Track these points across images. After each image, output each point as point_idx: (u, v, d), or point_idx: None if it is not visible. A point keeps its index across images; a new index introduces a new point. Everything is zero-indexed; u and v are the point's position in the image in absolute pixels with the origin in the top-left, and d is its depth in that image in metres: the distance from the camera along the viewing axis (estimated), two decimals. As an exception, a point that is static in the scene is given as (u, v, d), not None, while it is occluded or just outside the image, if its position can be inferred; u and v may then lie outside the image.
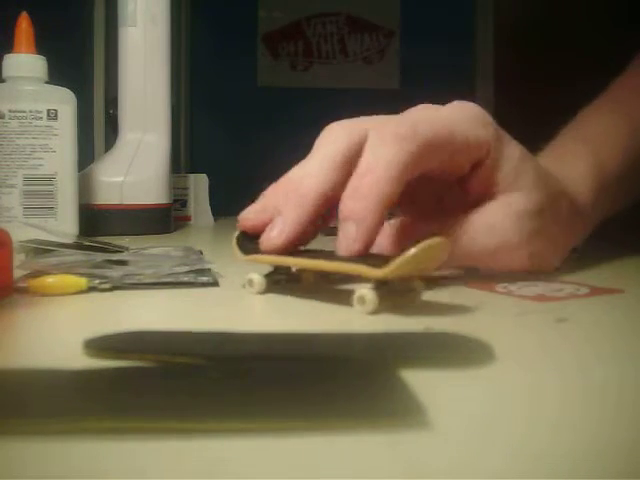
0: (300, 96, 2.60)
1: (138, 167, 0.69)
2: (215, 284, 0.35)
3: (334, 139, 0.33)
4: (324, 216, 0.34)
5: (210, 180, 0.85)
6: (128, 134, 0.72)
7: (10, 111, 0.55)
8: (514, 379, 0.20)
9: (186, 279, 0.35)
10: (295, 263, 0.32)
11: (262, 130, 2.57)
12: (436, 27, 2.58)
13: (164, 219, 0.71)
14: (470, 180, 0.36)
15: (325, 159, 0.33)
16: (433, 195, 0.38)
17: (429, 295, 0.31)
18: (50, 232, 0.48)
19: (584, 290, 0.33)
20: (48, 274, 0.33)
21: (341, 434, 0.15)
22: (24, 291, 0.32)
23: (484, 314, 0.29)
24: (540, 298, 0.31)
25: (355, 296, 0.28)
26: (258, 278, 0.33)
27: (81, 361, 0.21)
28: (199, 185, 0.84)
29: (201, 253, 0.44)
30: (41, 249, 0.39)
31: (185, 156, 2.43)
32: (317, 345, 0.23)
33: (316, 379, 0.19)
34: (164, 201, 0.71)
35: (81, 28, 1.81)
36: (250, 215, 0.34)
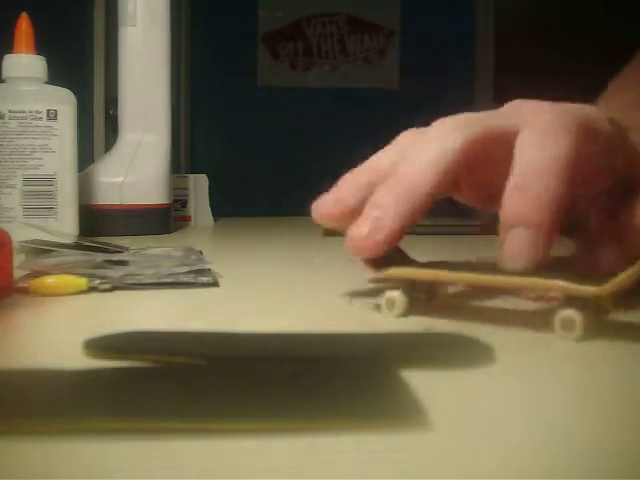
0: (300, 96, 2.60)
1: (138, 167, 0.69)
2: (215, 284, 0.35)
3: (452, 128, 0.29)
4: None
5: (210, 180, 0.85)
6: (128, 134, 0.72)
7: (10, 111, 0.55)
8: (513, 379, 0.20)
9: (186, 279, 0.35)
10: (464, 279, 0.27)
11: (262, 130, 2.57)
12: (436, 27, 2.58)
13: (164, 219, 0.71)
14: (601, 179, 0.31)
15: (445, 150, 0.28)
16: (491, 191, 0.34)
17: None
18: (50, 232, 0.48)
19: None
20: (48, 274, 0.33)
21: (341, 434, 0.15)
22: (24, 291, 0.32)
23: (488, 314, 0.29)
24: (540, 298, 0.31)
25: (559, 318, 0.23)
26: (400, 297, 0.27)
27: (81, 361, 0.21)
28: (199, 185, 0.84)
29: (201, 253, 0.44)
30: (41, 249, 0.39)
31: (185, 156, 2.43)
32: (316, 345, 0.23)
33: (316, 379, 0.19)
34: (164, 201, 0.71)
35: (81, 28, 1.81)
36: (329, 203, 0.29)
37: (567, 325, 0.23)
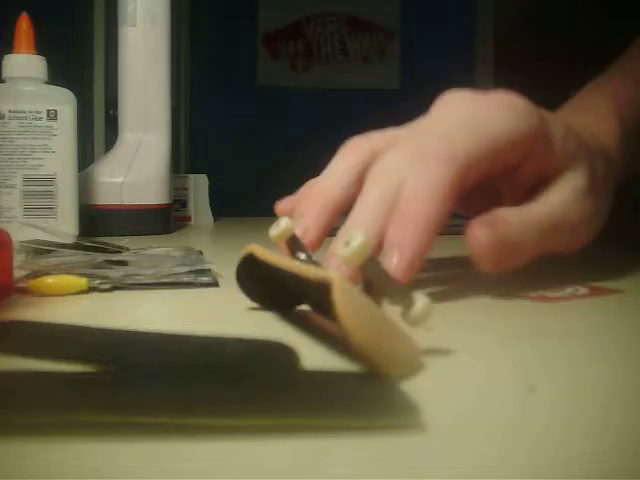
0: (300, 96, 2.60)
1: (138, 167, 0.69)
2: (215, 284, 0.35)
3: (356, 151, 0.34)
4: None
5: (210, 180, 0.85)
6: (128, 134, 0.72)
7: (10, 111, 0.55)
8: (512, 379, 0.20)
9: (186, 279, 0.35)
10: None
11: (262, 130, 2.57)
12: (436, 27, 2.58)
13: (164, 219, 0.71)
14: (521, 172, 0.34)
15: (344, 171, 0.34)
16: (486, 195, 0.37)
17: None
18: (50, 232, 0.48)
19: (584, 291, 0.33)
20: (48, 274, 0.33)
21: (336, 435, 0.15)
22: (24, 291, 0.32)
23: (487, 314, 0.29)
24: (541, 298, 0.31)
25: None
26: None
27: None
28: (199, 185, 0.84)
29: (201, 253, 0.44)
30: (41, 249, 0.39)
31: (185, 156, 2.43)
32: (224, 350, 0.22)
33: (313, 380, 0.19)
34: (164, 201, 0.71)
35: (81, 28, 1.81)
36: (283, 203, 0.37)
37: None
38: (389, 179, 0.31)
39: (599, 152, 0.37)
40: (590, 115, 0.40)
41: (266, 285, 0.28)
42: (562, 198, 0.34)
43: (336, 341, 0.24)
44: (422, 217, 0.29)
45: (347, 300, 0.19)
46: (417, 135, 0.33)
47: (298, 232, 0.31)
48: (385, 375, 0.19)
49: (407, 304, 0.22)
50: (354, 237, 0.21)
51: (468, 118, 0.32)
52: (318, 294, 0.21)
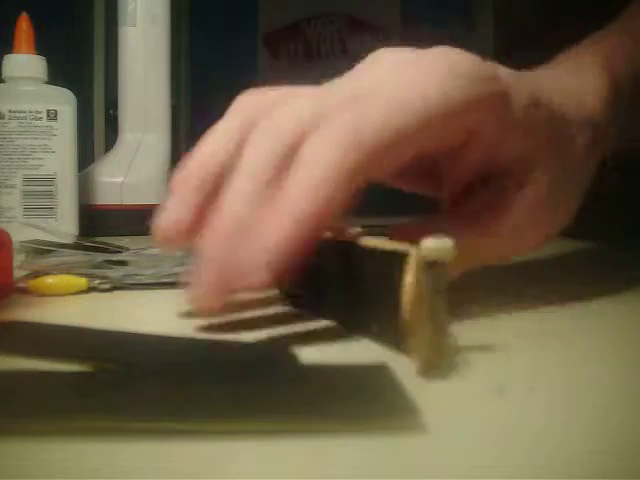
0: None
1: (138, 167, 0.69)
2: (215, 284, 0.35)
3: (244, 108, 0.28)
4: None
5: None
6: (128, 134, 0.72)
7: (10, 111, 0.55)
8: (511, 379, 0.20)
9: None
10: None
11: (262, 130, 2.57)
12: (436, 27, 2.58)
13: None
14: (465, 153, 0.28)
15: (224, 133, 0.27)
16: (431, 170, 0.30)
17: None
18: (50, 232, 0.48)
19: (583, 290, 0.33)
20: (48, 274, 0.33)
21: (336, 435, 0.15)
22: (24, 291, 0.32)
23: (487, 314, 0.29)
24: (540, 298, 0.31)
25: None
26: None
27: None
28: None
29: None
30: (41, 249, 0.39)
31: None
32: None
33: (313, 382, 0.19)
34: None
35: (81, 28, 1.81)
36: (165, 225, 0.27)
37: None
38: (280, 137, 0.25)
39: (577, 120, 0.31)
40: (576, 74, 0.34)
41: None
42: (525, 205, 0.28)
43: (336, 340, 0.24)
44: (298, 210, 0.23)
45: (418, 274, 0.19)
46: (327, 97, 0.26)
47: (164, 220, 0.26)
48: (416, 360, 0.19)
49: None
50: (445, 242, 0.19)
51: (393, 86, 0.25)
52: (380, 266, 0.21)
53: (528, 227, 0.29)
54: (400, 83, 0.25)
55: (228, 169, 0.26)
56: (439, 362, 0.19)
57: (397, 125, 0.24)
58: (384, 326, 0.21)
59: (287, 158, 0.24)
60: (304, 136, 0.24)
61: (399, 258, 0.19)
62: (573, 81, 0.33)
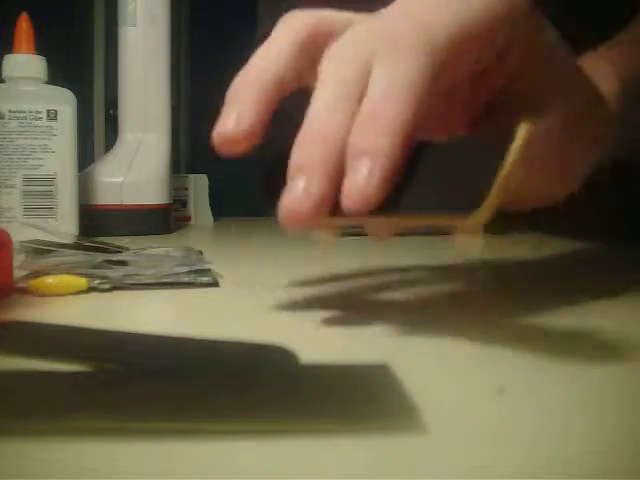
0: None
1: (138, 167, 0.69)
2: (215, 284, 0.35)
3: (299, 21, 0.28)
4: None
5: (210, 180, 0.85)
6: (128, 134, 0.72)
7: (10, 111, 0.55)
8: (511, 379, 0.20)
9: (186, 279, 0.35)
10: (370, 221, 0.25)
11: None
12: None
13: (164, 219, 0.71)
14: (490, 70, 0.28)
15: (283, 41, 0.27)
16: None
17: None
18: (50, 232, 0.48)
19: (583, 290, 0.33)
20: (48, 274, 0.33)
21: (335, 435, 0.15)
22: (24, 291, 0.32)
23: (487, 314, 0.29)
24: (540, 298, 0.31)
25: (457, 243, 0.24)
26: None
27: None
28: (199, 185, 0.84)
29: (201, 253, 0.44)
30: (41, 249, 0.39)
31: (185, 156, 2.43)
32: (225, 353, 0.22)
33: (312, 382, 0.19)
34: (164, 201, 0.71)
35: (81, 28, 1.81)
36: (229, 126, 0.26)
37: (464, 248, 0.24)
38: (354, 61, 0.25)
39: (594, 96, 0.32)
40: (592, 75, 0.34)
41: None
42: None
43: (334, 340, 0.24)
44: (396, 120, 0.23)
45: (524, 141, 0.22)
46: (384, 18, 0.27)
47: (229, 123, 0.26)
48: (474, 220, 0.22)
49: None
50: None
51: (441, 4, 0.26)
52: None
53: (549, 159, 0.29)
54: (447, 2, 0.26)
55: (290, 81, 0.27)
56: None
57: (461, 24, 0.25)
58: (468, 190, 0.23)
59: (366, 69, 0.25)
60: (379, 50, 0.25)
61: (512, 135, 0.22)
62: (592, 76, 0.33)
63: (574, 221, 0.41)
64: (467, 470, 0.14)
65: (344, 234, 0.29)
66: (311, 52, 0.27)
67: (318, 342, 0.25)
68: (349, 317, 0.28)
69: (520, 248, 0.52)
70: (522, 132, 0.22)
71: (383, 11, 0.28)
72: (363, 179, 0.22)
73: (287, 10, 0.29)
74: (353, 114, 0.24)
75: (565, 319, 0.28)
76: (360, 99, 0.24)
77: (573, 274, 0.38)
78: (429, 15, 0.25)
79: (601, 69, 0.37)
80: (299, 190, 0.23)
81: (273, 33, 0.28)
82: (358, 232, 0.27)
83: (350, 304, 0.31)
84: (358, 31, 0.26)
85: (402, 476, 0.14)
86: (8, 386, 0.18)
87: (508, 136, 0.25)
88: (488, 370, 0.21)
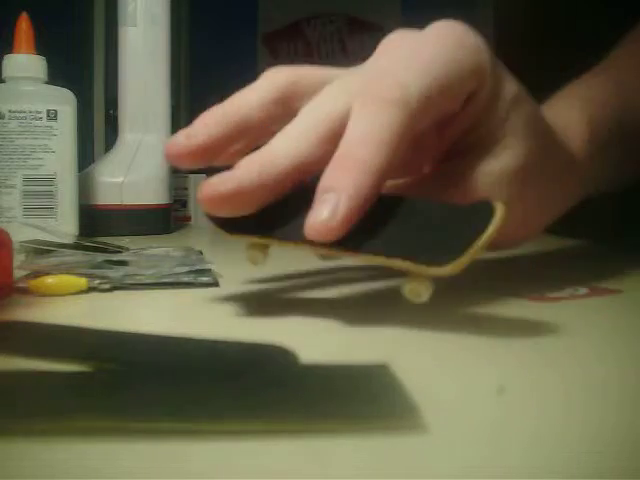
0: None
1: (138, 167, 0.69)
2: (215, 284, 0.35)
3: (279, 74, 0.29)
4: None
5: (210, 180, 0.85)
6: (128, 134, 0.72)
7: (10, 111, 0.55)
8: (511, 379, 0.20)
9: (186, 279, 0.35)
10: (329, 252, 0.26)
11: (262, 130, 2.57)
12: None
13: (164, 219, 0.71)
14: (457, 117, 0.30)
15: (260, 87, 0.29)
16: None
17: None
18: (50, 232, 0.48)
19: (583, 290, 0.33)
20: (48, 274, 0.33)
21: (335, 435, 0.15)
22: (24, 291, 0.32)
23: (487, 314, 0.29)
24: (540, 298, 0.31)
25: (407, 288, 0.24)
26: (261, 256, 0.28)
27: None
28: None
29: (201, 253, 0.44)
30: (41, 249, 0.39)
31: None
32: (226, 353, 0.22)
33: (312, 381, 0.19)
34: (164, 201, 0.71)
35: (81, 28, 1.81)
36: (180, 140, 0.28)
37: (415, 294, 0.25)
38: (331, 107, 0.27)
39: (555, 144, 0.34)
40: (559, 118, 0.36)
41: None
42: (475, 174, 0.30)
43: (334, 341, 0.24)
44: (369, 163, 0.25)
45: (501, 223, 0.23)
46: (361, 74, 0.29)
47: (180, 136, 0.27)
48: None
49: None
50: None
51: (415, 55, 0.28)
52: (457, 212, 0.25)
53: (511, 204, 0.29)
54: (423, 52, 0.28)
55: (258, 125, 0.28)
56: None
57: (434, 82, 0.27)
58: (434, 251, 0.24)
59: (341, 118, 0.26)
60: (356, 102, 0.26)
61: (489, 209, 0.24)
62: (556, 123, 0.35)
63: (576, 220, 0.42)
64: (467, 470, 0.14)
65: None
66: (285, 105, 0.29)
67: (318, 342, 0.25)
68: (349, 317, 0.28)
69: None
70: (500, 212, 0.23)
71: (359, 67, 0.30)
72: (327, 212, 0.24)
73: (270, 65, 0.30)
74: (316, 146, 0.26)
75: (563, 318, 0.28)
76: (331, 138, 0.26)
77: (572, 271, 0.38)
78: (404, 72, 0.27)
79: (568, 113, 0.38)
80: None
81: (253, 83, 0.30)
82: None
83: (350, 304, 0.31)
84: (337, 84, 0.28)
85: (402, 476, 0.14)
86: (8, 386, 0.18)
87: (465, 175, 0.29)
88: (488, 370, 0.21)
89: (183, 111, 2.44)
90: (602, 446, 0.15)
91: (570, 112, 0.38)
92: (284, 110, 0.29)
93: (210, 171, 0.26)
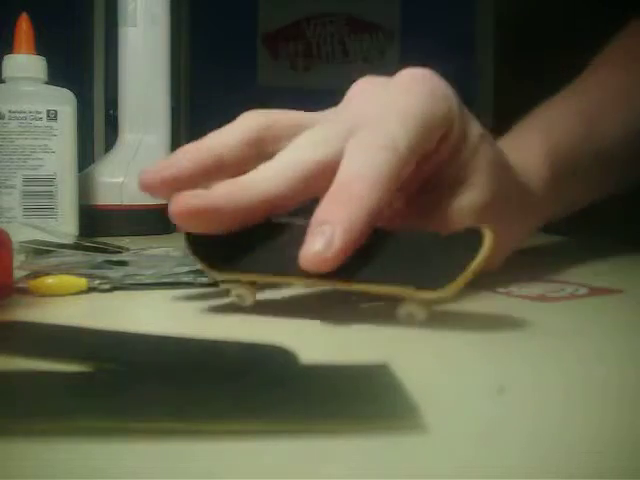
0: (300, 96, 2.60)
1: (138, 167, 0.69)
2: (215, 284, 0.35)
3: (254, 117, 0.31)
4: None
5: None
6: (128, 134, 0.72)
7: (10, 112, 0.55)
8: (511, 379, 0.20)
9: (186, 279, 0.35)
10: (330, 284, 0.26)
11: (262, 130, 2.56)
12: (436, 27, 2.58)
13: (164, 219, 0.70)
14: (428, 157, 0.32)
15: (234, 129, 0.30)
16: None
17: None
18: (50, 233, 0.48)
19: (583, 290, 0.33)
20: (48, 275, 0.33)
21: (335, 435, 0.15)
22: (24, 292, 0.32)
23: (488, 314, 0.29)
24: (541, 298, 0.31)
25: (402, 312, 0.25)
26: (248, 294, 0.28)
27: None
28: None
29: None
30: (41, 250, 0.39)
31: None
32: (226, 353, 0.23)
33: (312, 382, 0.19)
34: (164, 201, 0.71)
35: (81, 28, 1.81)
36: (155, 171, 0.29)
37: (409, 319, 0.25)
38: (311, 154, 0.28)
39: (515, 181, 0.36)
40: (518, 152, 0.38)
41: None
42: (459, 207, 0.32)
43: (334, 340, 0.24)
44: (365, 199, 0.26)
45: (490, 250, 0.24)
46: (342, 121, 0.30)
47: (151, 168, 0.28)
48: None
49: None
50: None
51: (393, 105, 0.30)
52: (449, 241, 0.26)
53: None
54: (399, 103, 0.30)
55: (230, 164, 0.29)
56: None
57: (416, 130, 0.29)
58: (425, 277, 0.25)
59: (316, 168, 0.28)
60: (349, 144, 0.28)
61: (478, 235, 0.25)
62: (516, 158, 0.37)
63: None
64: (467, 470, 0.14)
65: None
66: (259, 147, 0.30)
67: (318, 342, 0.25)
68: (349, 317, 0.28)
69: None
70: (489, 238, 0.25)
71: (333, 112, 0.32)
72: (322, 244, 0.24)
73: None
74: (291, 185, 0.27)
75: (561, 316, 0.28)
76: (306, 180, 0.28)
77: (571, 268, 0.38)
78: (390, 122, 0.29)
79: (528, 148, 0.40)
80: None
81: (230, 124, 0.31)
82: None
83: (350, 304, 0.31)
84: (317, 131, 0.29)
85: (402, 476, 0.14)
86: (8, 386, 0.18)
87: (438, 209, 0.32)
88: (488, 370, 0.21)
89: (183, 111, 2.44)
90: (602, 446, 0.15)
91: (530, 147, 0.40)
92: (258, 152, 0.30)
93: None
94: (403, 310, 0.25)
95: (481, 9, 2.63)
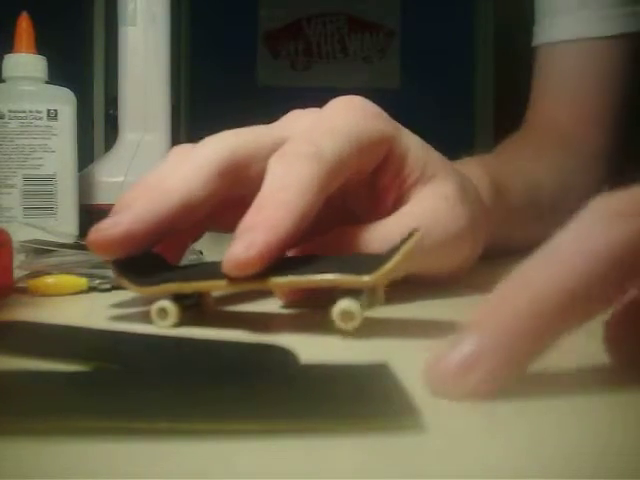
0: (300, 96, 2.60)
1: (138, 167, 0.69)
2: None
3: (220, 142, 0.30)
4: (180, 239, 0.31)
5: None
6: (128, 134, 0.72)
7: (10, 111, 0.55)
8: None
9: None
10: (262, 285, 0.25)
11: (262, 130, 2.56)
12: (436, 27, 2.58)
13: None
14: (379, 179, 0.33)
15: (206, 163, 0.29)
16: (335, 207, 0.33)
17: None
18: (50, 232, 0.48)
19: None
20: (48, 274, 0.33)
21: (335, 435, 0.15)
22: (24, 291, 0.32)
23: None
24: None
25: (336, 310, 0.24)
26: (171, 307, 0.26)
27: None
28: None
29: (201, 253, 0.44)
30: (41, 249, 0.39)
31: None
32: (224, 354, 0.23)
33: (312, 381, 0.19)
34: (164, 201, 0.71)
35: (81, 28, 1.81)
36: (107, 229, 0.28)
37: (346, 316, 0.24)
38: (246, 145, 0.30)
39: (469, 181, 0.36)
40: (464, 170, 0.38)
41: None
42: (429, 205, 0.32)
43: (334, 341, 0.24)
44: (289, 204, 0.26)
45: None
46: (272, 132, 0.32)
47: (105, 223, 0.28)
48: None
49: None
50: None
51: (326, 122, 0.31)
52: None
53: (452, 233, 0.32)
54: (333, 120, 0.31)
55: (200, 203, 0.29)
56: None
57: (346, 145, 0.29)
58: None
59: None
60: (270, 159, 0.28)
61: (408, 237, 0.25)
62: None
63: None
64: (467, 470, 0.14)
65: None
66: (230, 175, 0.29)
67: (318, 342, 0.25)
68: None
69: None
70: (416, 234, 0.25)
71: (267, 127, 0.33)
72: (242, 247, 0.24)
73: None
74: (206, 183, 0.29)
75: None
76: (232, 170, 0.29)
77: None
78: (317, 135, 0.29)
79: (474, 170, 0.41)
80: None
81: (192, 154, 0.30)
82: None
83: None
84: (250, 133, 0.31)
85: (402, 476, 0.14)
86: (8, 386, 0.18)
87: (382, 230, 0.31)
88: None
89: (183, 111, 2.44)
90: (602, 446, 0.15)
91: (474, 168, 0.41)
92: (229, 182, 0.29)
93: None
94: (337, 308, 0.24)
95: (481, 8, 2.63)
